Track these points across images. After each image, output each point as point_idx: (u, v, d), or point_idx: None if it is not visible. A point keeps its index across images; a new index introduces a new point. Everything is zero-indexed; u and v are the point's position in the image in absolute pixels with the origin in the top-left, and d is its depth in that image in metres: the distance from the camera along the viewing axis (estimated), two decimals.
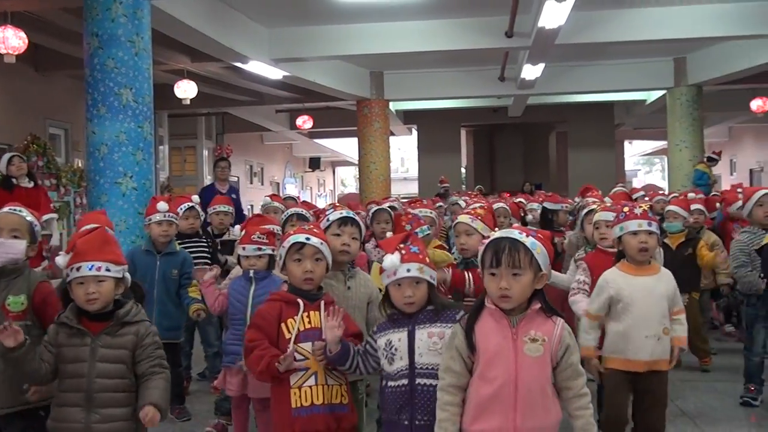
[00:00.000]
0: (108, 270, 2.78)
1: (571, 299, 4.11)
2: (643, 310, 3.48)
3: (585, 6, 8.45)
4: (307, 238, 3.00)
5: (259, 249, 3.90)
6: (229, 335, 4.00)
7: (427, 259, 2.83)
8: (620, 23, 9.67)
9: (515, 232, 2.48)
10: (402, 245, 2.82)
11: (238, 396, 3.97)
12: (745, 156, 22.81)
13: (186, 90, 11.12)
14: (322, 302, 2.97)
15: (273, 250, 3.94)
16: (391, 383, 2.77)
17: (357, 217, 3.42)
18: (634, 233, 3.51)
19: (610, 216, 4.04)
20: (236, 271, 4.16)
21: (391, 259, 2.78)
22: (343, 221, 3.34)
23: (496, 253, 2.42)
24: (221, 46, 8.88)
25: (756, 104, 14.19)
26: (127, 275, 2.93)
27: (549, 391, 2.43)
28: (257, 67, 10.19)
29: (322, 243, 3.02)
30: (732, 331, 7.09)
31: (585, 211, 4.98)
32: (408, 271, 2.74)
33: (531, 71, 11.41)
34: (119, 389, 2.79)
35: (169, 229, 4.78)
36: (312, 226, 3.24)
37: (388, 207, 5.78)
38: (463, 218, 3.97)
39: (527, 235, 2.46)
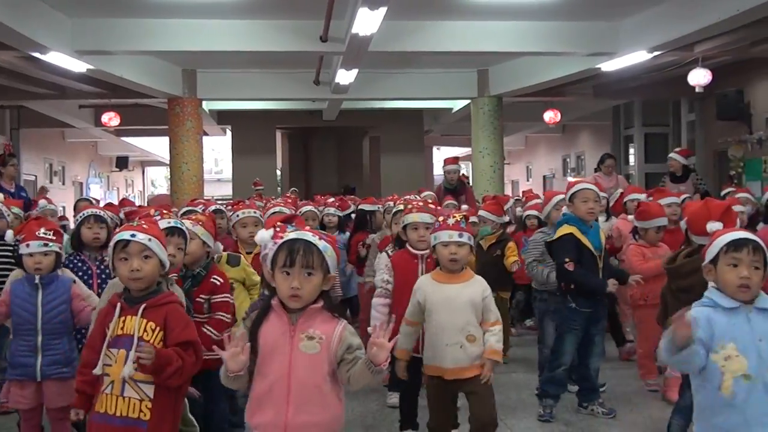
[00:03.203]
0: None
1: (373, 300, 4.28)
2: (443, 317, 3.56)
3: (397, 16, 8.76)
4: (133, 235, 2.86)
5: (46, 245, 3.70)
6: (16, 346, 3.73)
7: None
8: (429, 35, 10.12)
9: (309, 234, 2.57)
10: (280, 224, 2.80)
11: (28, 408, 3.74)
12: (539, 163, 24.70)
13: None
14: (142, 307, 2.81)
15: (60, 248, 3.79)
16: None
17: (182, 227, 3.37)
18: (445, 244, 3.57)
19: (427, 218, 4.15)
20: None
21: (263, 234, 2.77)
22: (169, 231, 3.30)
23: (290, 253, 2.49)
24: (16, 33, 8.21)
25: (548, 116, 15.39)
26: None
27: (326, 389, 2.50)
28: (58, 58, 9.53)
29: (150, 239, 2.87)
30: (531, 324, 7.63)
31: (393, 211, 5.16)
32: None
33: (345, 76, 11.63)
34: None
35: None
36: (142, 222, 3.10)
37: (216, 209, 5.79)
38: (196, 228, 3.88)
39: (320, 238, 2.56)
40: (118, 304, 2.84)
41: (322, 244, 2.54)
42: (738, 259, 2.57)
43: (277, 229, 2.76)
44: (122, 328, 2.81)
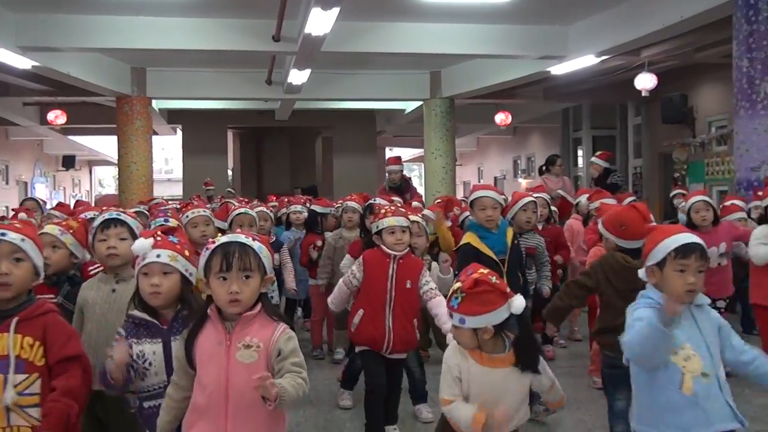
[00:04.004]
0: None
1: (338, 284, 4.27)
2: (491, 405, 2.64)
3: (350, 16, 8.76)
4: (2, 234, 2.51)
5: None
6: None
7: (187, 253, 2.70)
8: (382, 36, 10.15)
9: (242, 237, 2.46)
10: (160, 234, 2.69)
11: None
12: (491, 164, 24.97)
13: None
14: (14, 322, 2.43)
15: None
16: (147, 403, 2.65)
17: (123, 216, 3.24)
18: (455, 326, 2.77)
19: (403, 221, 4.10)
20: None
21: (142, 243, 2.61)
22: (105, 224, 3.17)
23: (226, 257, 2.38)
24: None
25: (500, 118, 15.58)
26: None
27: None
28: (1, 54, 9.29)
29: (24, 239, 2.53)
30: None
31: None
32: (158, 256, 2.62)
33: (298, 76, 11.58)
34: None
35: None
36: (15, 221, 2.89)
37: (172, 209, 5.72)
38: (65, 237, 3.49)
39: (253, 239, 2.46)
40: None
41: (257, 245, 2.43)
42: (686, 265, 2.55)
43: (158, 238, 2.66)
44: None
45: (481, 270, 2.67)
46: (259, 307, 2.41)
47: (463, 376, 2.67)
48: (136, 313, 2.64)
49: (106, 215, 3.21)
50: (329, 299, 4.37)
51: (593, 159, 9.52)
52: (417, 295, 4.07)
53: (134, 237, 3.14)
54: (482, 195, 4.55)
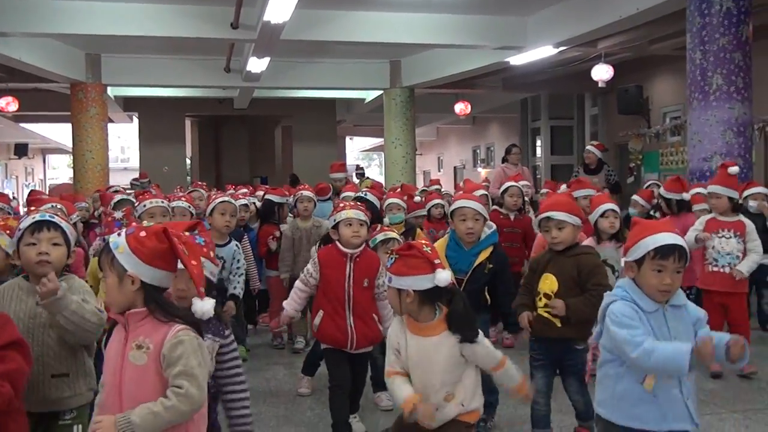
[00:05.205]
0: None
1: (296, 283, 4.21)
2: (420, 375, 2.87)
3: (310, 4, 8.70)
4: None
5: None
6: None
7: (212, 254, 2.67)
8: (342, 24, 10.11)
9: (114, 236, 2.34)
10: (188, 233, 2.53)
11: None
12: (450, 154, 25.08)
13: None
14: None
15: None
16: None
17: (56, 219, 2.90)
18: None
19: (361, 215, 4.01)
20: None
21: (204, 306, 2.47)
22: (37, 227, 2.82)
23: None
24: None
25: (459, 107, 15.67)
26: None
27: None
28: None
29: None
30: None
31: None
32: None
33: (257, 64, 11.48)
34: None
35: None
36: None
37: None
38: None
39: (118, 234, 2.31)
40: None
41: (113, 242, 2.27)
42: (664, 266, 2.51)
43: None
44: None
45: (423, 240, 2.88)
46: (151, 306, 2.28)
47: (400, 346, 2.88)
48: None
49: (38, 216, 2.85)
50: (284, 303, 4.17)
51: (589, 147, 9.66)
52: (374, 293, 4.03)
53: (68, 243, 2.88)
54: (462, 205, 4.08)
